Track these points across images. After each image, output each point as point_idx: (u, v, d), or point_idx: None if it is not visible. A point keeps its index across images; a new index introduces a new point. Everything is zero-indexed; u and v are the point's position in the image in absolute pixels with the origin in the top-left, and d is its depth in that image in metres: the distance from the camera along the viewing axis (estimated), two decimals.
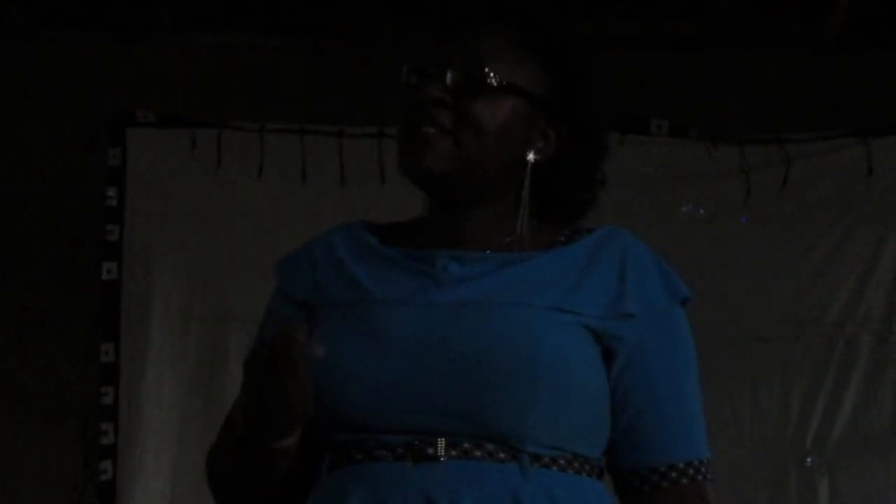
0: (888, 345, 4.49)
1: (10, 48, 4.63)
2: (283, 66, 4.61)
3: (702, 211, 4.53)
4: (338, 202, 4.36)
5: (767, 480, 4.44)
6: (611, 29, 4.52)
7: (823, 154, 4.56)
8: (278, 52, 4.64)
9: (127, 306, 4.52)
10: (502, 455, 1.67)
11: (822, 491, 4.45)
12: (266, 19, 4.65)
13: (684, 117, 4.57)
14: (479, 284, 1.75)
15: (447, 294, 1.74)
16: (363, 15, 4.58)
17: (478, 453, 1.67)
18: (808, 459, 4.45)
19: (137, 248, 4.53)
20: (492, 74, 1.76)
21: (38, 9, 4.60)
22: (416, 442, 1.68)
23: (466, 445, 1.68)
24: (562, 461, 1.70)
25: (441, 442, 1.68)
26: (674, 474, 1.75)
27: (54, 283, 4.51)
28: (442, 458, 1.67)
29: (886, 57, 4.60)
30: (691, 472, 1.75)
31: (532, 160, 1.79)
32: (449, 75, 1.76)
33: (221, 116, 4.56)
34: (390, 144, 4.46)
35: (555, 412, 1.67)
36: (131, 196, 4.55)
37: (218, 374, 4.46)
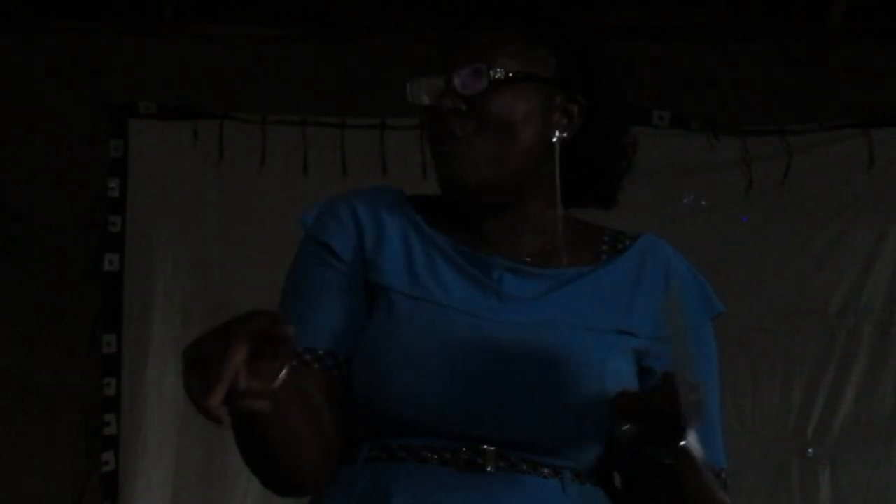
0: (889, 336, 4.49)
1: (11, 39, 4.62)
2: (285, 57, 4.60)
3: (703, 202, 4.53)
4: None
5: (769, 471, 4.44)
6: (612, 20, 4.52)
7: (825, 145, 4.56)
8: (280, 42, 4.63)
9: (129, 297, 4.52)
10: (546, 470, 1.70)
11: (823, 481, 4.45)
12: (268, 10, 4.65)
13: (686, 108, 4.57)
14: (542, 304, 1.75)
15: (512, 312, 1.74)
16: (365, 5, 4.57)
17: (524, 466, 1.69)
18: (810, 450, 4.46)
19: (139, 239, 4.53)
20: (498, 69, 1.76)
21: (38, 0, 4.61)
22: (465, 449, 1.69)
23: (513, 458, 1.69)
24: (590, 475, 1.73)
25: (490, 452, 1.69)
26: None
27: (56, 274, 4.51)
28: (489, 469, 1.68)
29: (888, 47, 4.60)
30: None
31: (558, 139, 1.79)
32: (457, 81, 1.76)
33: (223, 107, 4.56)
34: (392, 136, 4.48)
35: (606, 435, 1.68)
36: (133, 187, 4.55)
37: None
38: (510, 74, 1.76)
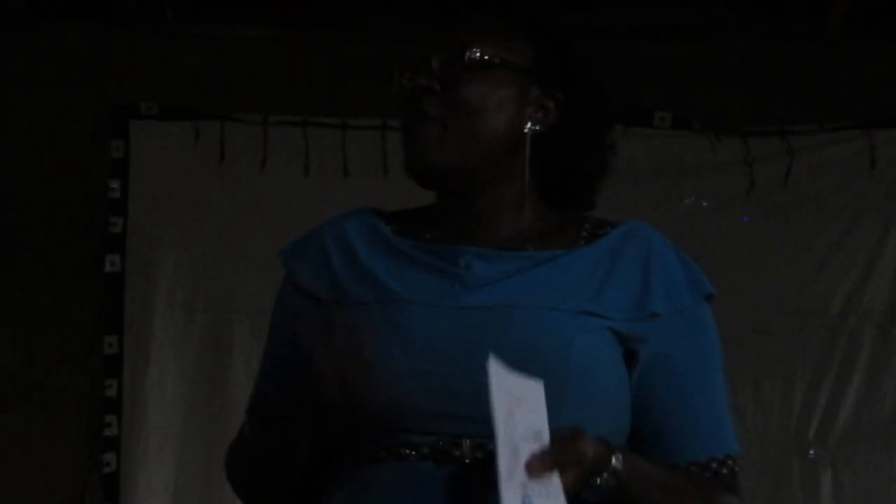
0: (891, 337, 4.49)
1: (12, 39, 4.62)
2: (286, 58, 4.60)
3: (705, 203, 4.53)
4: (341, 194, 4.35)
5: (770, 473, 4.44)
6: (613, 21, 4.52)
7: (826, 146, 4.55)
8: (281, 43, 4.63)
9: (130, 298, 4.52)
10: None
11: (824, 483, 4.45)
12: (268, 10, 4.65)
13: (687, 109, 4.57)
14: (506, 287, 1.74)
15: (475, 296, 1.74)
16: (365, 5, 4.57)
17: None
18: (811, 452, 4.45)
19: (141, 240, 4.53)
20: (474, 52, 1.77)
21: (39, 0, 4.61)
22: (441, 443, 1.68)
23: (490, 447, 1.65)
24: None
25: (466, 443, 1.68)
26: (694, 469, 1.77)
27: (57, 275, 4.51)
28: (467, 461, 1.68)
29: (889, 48, 4.59)
30: (714, 466, 1.78)
31: (530, 130, 1.79)
32: (433, 61, 1.78)
33: (224, 108, 4.56)
34: (394, 137, 4.47)
35: (581, 416, 1.66)
36: (134, 188, 4.55)
37: (221, 366, 4.46)
38: (486, 58, 1.77)
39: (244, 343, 4.41)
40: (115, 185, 4.54)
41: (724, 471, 1.79)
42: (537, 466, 1.55)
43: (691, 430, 1.76)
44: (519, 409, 1.58)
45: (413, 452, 1.69)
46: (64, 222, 4.53)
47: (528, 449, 1.56)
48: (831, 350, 4.49)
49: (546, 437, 1.58)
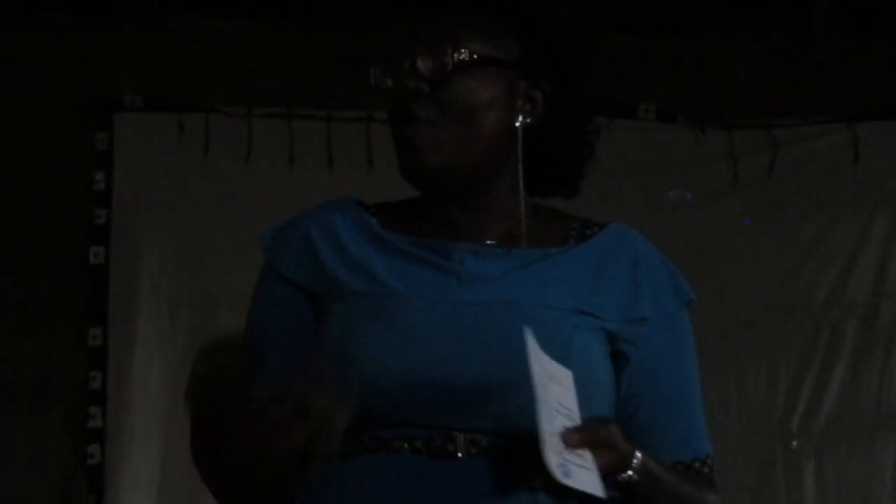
0: (874, 329, 4.50)
1: None
2: (271, 51, 4.60)
3: (689, 196, 4.54)
4: (326, 187, 4.35)
5: (754, 464, 4.45)
6: (598, 14, 4.52)
7: (810, 139, 4.56)
8: (266, 36, 4.63)
9: (115, 291, 4.52)
10: (518, 454, 1.67)
11: (808, 474, 4.46)
12: (254, 3, 4.64)
13: (672, 102, 4.57)
14: (504, 284, 1.75)
15: (472, 293, 1.74)
16: None
17: (495, 451, 1.68)
18: (795, 443, 4.47)
19: (125, 232, 4.53)
20: (462, 51, 1.76)
21: None
22: (435, 437, 1.68)
23: (484, 443, 1.68)
24: None
25: (460, 438, 1.68)
26: (679, 468, 1.79)
27: (42, 267, 4.51)
28: (460, 456, 1.68)
29: (873, 42, 4.61)
30: (697, 465, 1.81)
31: (521, 124, 1.78)
32: (419, 63, 1.76)
33: (209, 101, 4.55)
34: (378, 129, 4.47)
35: (582, 414, 1.66)
36: (119, 180, 4.54)
37: None
38: (474, 57, 1.76)
39: (228, 335, 4.40)
40: (99, 177, 4.54)
41: (706, 470, 1.82)
42: (573, 440, 1.57)
43: (676, 431, 1.79)
44: (552, 384, 1.60)
45: (406, 445, 1.69)
46: (48, 214, 4.52)
47: (563, 423, 1.57)
48: (815, 342, 4.51)
49: (577, 417, 1.60)
